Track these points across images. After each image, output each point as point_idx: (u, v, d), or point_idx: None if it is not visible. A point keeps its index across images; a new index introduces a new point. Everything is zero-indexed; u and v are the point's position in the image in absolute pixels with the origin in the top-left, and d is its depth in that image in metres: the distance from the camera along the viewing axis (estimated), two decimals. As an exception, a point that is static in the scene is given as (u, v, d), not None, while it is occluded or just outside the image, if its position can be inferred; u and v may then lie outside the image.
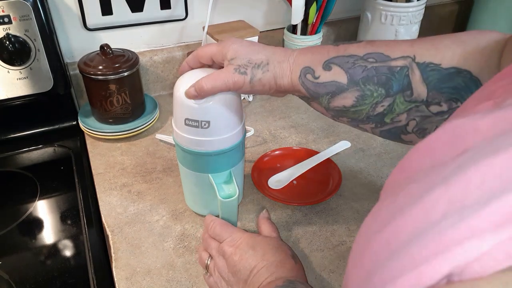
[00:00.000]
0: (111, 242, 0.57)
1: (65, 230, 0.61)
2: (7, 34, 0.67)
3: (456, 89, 0.40)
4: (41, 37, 0.70)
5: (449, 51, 0.40)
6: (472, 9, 1.05)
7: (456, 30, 1.17)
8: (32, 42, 0.69)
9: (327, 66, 0.44)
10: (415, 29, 0.91)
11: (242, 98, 0.69)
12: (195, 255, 0.55)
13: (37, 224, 0.62)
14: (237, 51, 0.46)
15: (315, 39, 0.87)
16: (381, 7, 0.88)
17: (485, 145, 0.21)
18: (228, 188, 0.54)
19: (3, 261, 0.56)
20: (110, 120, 0.76)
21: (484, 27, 1.00)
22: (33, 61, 0.71)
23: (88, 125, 0.76)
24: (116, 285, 0.51)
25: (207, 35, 0.80)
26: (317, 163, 0.67)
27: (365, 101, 0.43)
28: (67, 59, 0.82)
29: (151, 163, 0.71)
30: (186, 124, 0.49)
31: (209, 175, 0.53)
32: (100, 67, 0.71)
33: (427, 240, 0.20)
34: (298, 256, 0.48)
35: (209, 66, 0.51)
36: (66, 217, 0.63)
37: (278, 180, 0.66)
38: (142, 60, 0.85)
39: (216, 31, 0.79)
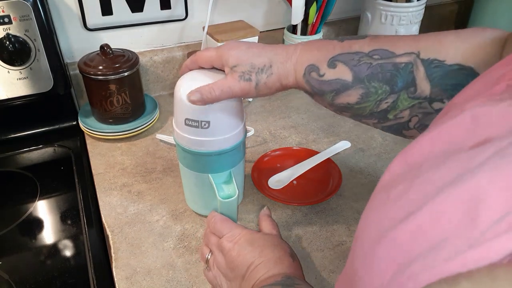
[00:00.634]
0: (111, 242, 0.57)
1: (65, 230, 0.61)
2: (7, 34, 0.67)
3: (459, 86, 0.40)
4: (41, 37, 0.70)
5: (453, 47, 0.40)
6: (472, 9, 1.05)
7: (456, 30, 1.17)
8: (32, 42, 0.69)
9: (332, 63, 0.44)
10: (415, 29, 0.91)
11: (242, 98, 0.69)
12: (195, 255, 0.55)
13: (37, 224, 0.62)
14: (239, 57, 0.45)
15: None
16: (381, 7, 0.88)
17: None
18: (228, 188, 0.53)
19: (3, 261, 0.56)
20: (110, 120, 0.76)
21: (484, 27, 1.00)
22: (33, 61, 0.71)
23: (88, 125, 0.76)
24: (116, 285, 0.51)
25: (207, 35, 0.79)
26: (317, 163, 0.67)
27: (370, 98, 0.43)
28: (67, 59, 0.82)
29: (151, 163, 0.71)
30: (186, 124, 0.49)
31: (209, 175, 0.53)
32: (100, 67, 0.71)
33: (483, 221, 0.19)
34: (298, 256, 0.48)
35: None
36: (66, 217, 0.63)
37: (278, 180, 0.66)
38: (142, 60, 0.85)
39: (216, 31, 0.79)
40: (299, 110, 0.86)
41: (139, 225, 0.59)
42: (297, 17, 0.82)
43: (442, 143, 0.26)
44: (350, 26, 1.03)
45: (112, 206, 0.62)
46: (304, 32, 0.87)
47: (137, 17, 0.83)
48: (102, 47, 0.73)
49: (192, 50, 0.88)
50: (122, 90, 0.73)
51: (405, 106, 0.43)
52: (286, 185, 0.65)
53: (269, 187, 0.64)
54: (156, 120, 0.80)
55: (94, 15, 0.80)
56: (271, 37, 0.96)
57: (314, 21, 0.86)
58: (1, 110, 0.75)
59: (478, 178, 0.20)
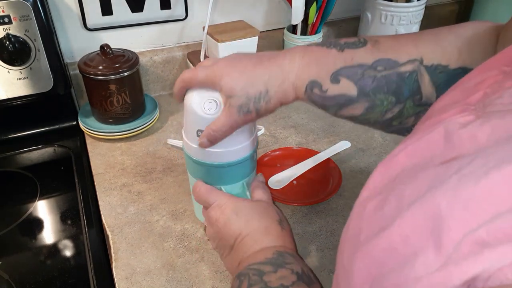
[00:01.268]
0: (111, 242, 0.57)
1: (65, 230, 0.61)
2: (7, 34, 0.67)
3: None
4: (41, 37, 0.70)
5: (455, 50, 0.40)
6: (472, 9, 1.05)
7: (456, 30, 1.17)
8: (32, 42, 0.69)
9: (335, 78, 0.41)
10: (415, 29, 0.91)
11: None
12: (195, 255, 0.55)
13: (37, 224, 0.62)
14: (232, 88, 0.42)
15: (315, 39, 0.87)
16: (381, 7, 0.88)
17: (495, 151, 0.21)
18: None
19: (3, 261, 0.56)
20: (110, 120, 0.76)
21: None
22: (33, 61, 0.71)
23: (88, 125, 0.76)
24: (116, 285, 0.51)
25: (207, 35, 0.80)
26: (317, 163, 0.67)
27: (375, 109, 0.42)
28: (67, 59, 0.82)
29: (151, 163, 0.71)
30: (198, 136, 0.48)
31: (222, 187, 0.51)
32: (100, 67, 0.71)
33: (445, 243, 0.20)
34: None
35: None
36: (66, 217, 0.63)
37: (278, 180, 0.66)
38: (142, 60, 0.85)
39: (216, 31, 0.79)
40: (299, 110, 0.86)
41: (139, 225, 0.59)
42: (297, 17, 0.82)
43: (416, 158, 0.27)
44: (350, 26, 1.03)
45: (112, 206, 0.63)
46: (304, 32, 0.87)
47: (137, 17, 0.83)
48: (102, 47, 0.73)
49: (192, 50, 0.88)
50: (122, 90, 0.73)
51: (411, 113, 0.42)
52: (286, 185, 0.65)
53: (269, 187, 0.64)
54: (156, 120, 0.80)
55: (94, 15, 0.80)
56: (271, 37, 0.96)
57: (314, 21, 0.86)
58: (1, 110, 0.75)
59: (439, 197, 0.21)
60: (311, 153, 0.70)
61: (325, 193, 0.63)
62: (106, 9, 0.80)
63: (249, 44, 0.80)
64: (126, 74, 0.72)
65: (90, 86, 0.74)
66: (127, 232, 0.58)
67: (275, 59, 0.43)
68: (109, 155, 0.73)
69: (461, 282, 0.18)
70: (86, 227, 0.60)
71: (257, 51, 0.83)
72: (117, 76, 0.71)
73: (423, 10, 0.90)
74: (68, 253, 0.58)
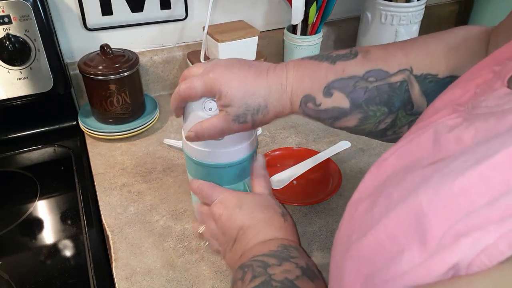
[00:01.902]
0: (111, 242, 0.57)
1: (65, 230, 0.61)
2: (7, 34, 0.67)
3: None
4: (41, 37, 0.70)
5: (444, 59, 0.40)
6: (472, 9, 1.05)
7: (456, 30, 1.17)
8: (32, 42, 0.69)
9: (327, 92, 0.42)
10: (415, 29, 0.91)
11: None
12: (195, 255, 0.55)
13: (37, 224, 0.62)
14: (232, 97, 0.42)
15: (315, 39, 0.87)
16: (381, 7, 0.88)
17: (474, 151, 0.22)
18: None
19: (3, 261, 0.56)
20: (110, 120, 0.76)
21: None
22: (33, 61, 0.71)
23: (88, 125, 0.76)
24: (116, 285, 0.51)
25: (207, 35, 0.79)
26: (317, 163, 0.67)
27: (369, 121, 0.42)
28: (67, 59, 0.82)
29: (151, 163, 0.71)
30: None
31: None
32: (100, 67, 0.71)
33: (431, 236, 0.21)
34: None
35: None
36: (66, 217, 0.63)
37: (278, 180, 0.66)
38: (142, 60, 0.85)
39: (216, 31, 0.79)
40: (299, 110, 0.86)
41: (139, 225, 0.59)
42: (297, 17, 0.82)
43: (405, 160, 0.29)
44: (350, 26, 1.03)
45: (112, 206, 0.63)
46: (304, 32, 0.87)
47: (137, 17, 0.83)
48: (102, 47, 0.73)
49: (192, 50, 0.88)
50: (122, 90, 0.73)
51: (404, 123, 0.43)
52: (286, 185, 0.65)
53: (269, 187, 0.65)
54: (156, 120, 0.80)
55: (94, 15, 0.80)
56: (271, 37, 0.96)
57: (314, 21, 0.86)
58: (1, 110, 0.75)
59: (421, 195, 0.23)
60: (311, 153, 0.70)
61: (325, 193, 0.63)
62: (106, 9, 0.80)
63: (249, 44, 0.80)
64: (126, 74, 0.72)
65: (90, 86, 0.74)
66: (127, 232, 0.58)
67: (273, 72, 0.43)
68: (109, 155, 0.73)
69: (444, 270, 0.20)
70: (86, 227, 0.60)
71: (257, 51, 0.83)
72: (117, 76, 0.71)
73: (423, 10, 0.90)
74: (68, 253, 0.58)
